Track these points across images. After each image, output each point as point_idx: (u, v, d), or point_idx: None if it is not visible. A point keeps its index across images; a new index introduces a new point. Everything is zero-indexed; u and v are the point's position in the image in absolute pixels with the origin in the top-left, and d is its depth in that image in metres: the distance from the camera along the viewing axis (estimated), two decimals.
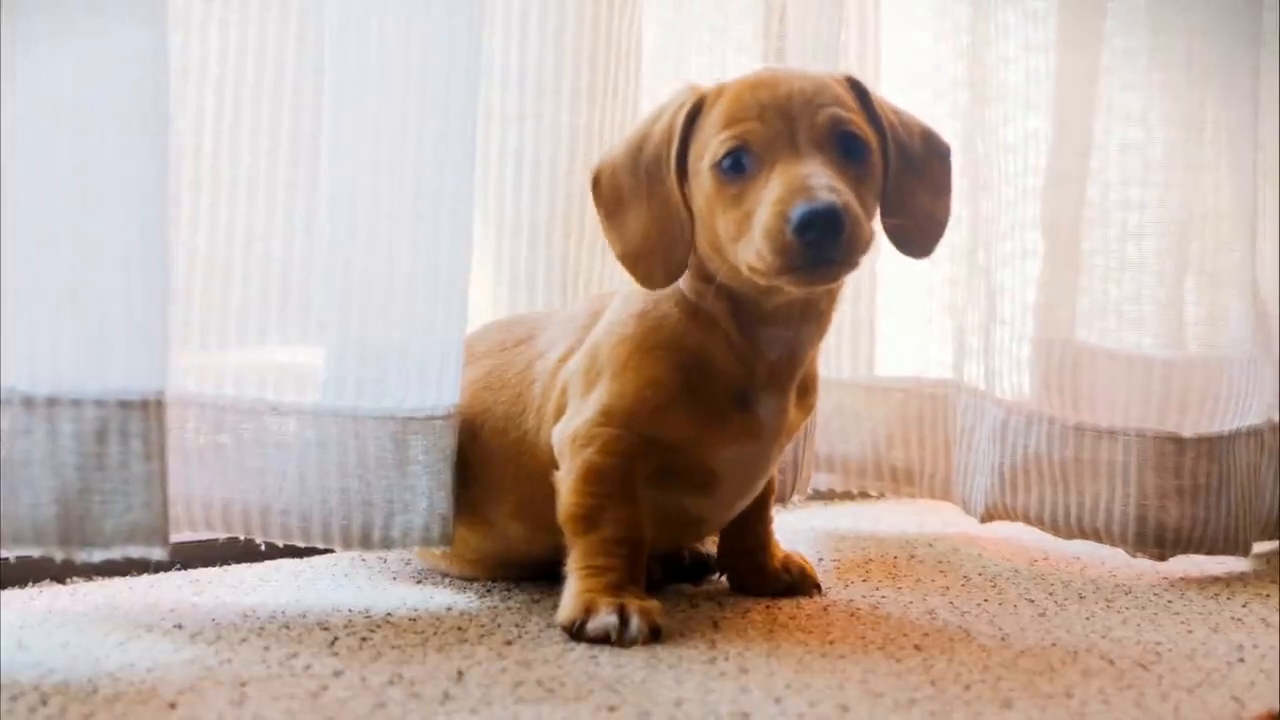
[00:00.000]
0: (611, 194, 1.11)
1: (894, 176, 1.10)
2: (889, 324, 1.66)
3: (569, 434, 1.11)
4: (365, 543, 1.15)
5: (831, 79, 1.09)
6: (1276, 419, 1.48)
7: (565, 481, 1.11)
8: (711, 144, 1.05)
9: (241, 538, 1.16)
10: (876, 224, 1.09)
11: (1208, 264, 1.47)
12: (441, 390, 1.15)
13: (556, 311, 1.29)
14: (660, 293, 1.12)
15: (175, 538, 1.24)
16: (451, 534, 1.16)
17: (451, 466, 1.16)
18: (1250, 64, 1.45)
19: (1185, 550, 1.39)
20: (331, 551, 1.30)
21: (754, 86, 1.06)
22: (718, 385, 1.10)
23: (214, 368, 1.14)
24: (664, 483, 1.12)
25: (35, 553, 0.98)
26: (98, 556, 0.99)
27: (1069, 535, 1.43)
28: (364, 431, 1.14)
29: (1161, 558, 1.40)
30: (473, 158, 1.16)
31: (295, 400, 1.14)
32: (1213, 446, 1.40)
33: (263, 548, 1.21)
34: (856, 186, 1.04)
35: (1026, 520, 1.45)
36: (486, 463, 1.18)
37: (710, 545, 1.30)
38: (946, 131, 1.54)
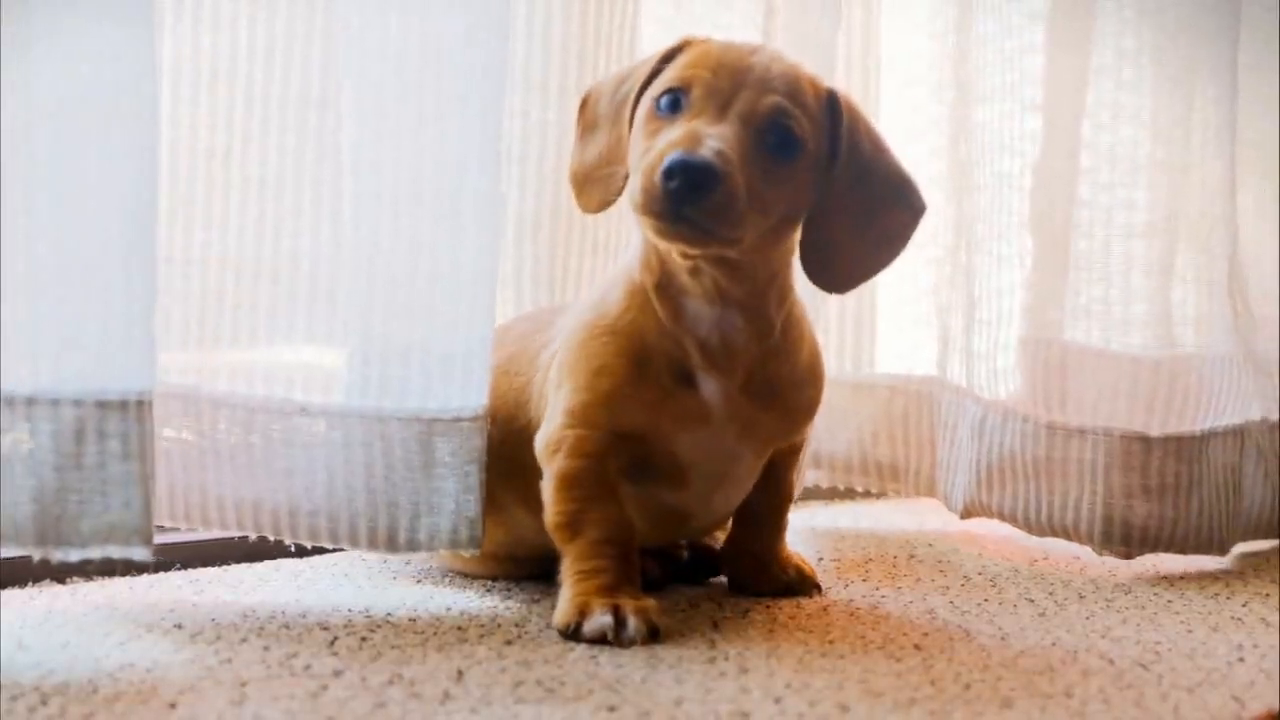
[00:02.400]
0: (591, 116, 1.15)
1: (835, 199, 1.09)
2: (883, 323, 1.65)
3: (544, 441, 1.12)
4: (392, 545, 1.15)
5: (807, 79, 1.09)
6: (1275, 419, 1.48)
7: (546, 490, 1.11)
8: (660, 80, 1.08)
9: (271, 538, 1.16)
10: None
11: (1184, 263, 1.47)
12: (468, 391, 1.15)
13: (573, 304, 1.29)
14: (613, 278, 1.14)
15: (183, 537, 1.26)
16: (480, 537, 1.16)
17: (480, 469, 1.15)
18: (1230, 60, 1.45)
19: (1154, 549, 1.40)
20: (336, 551, 1.30)
21: (726, 47, 1.08)
22: (658, 364, 1.10)
23: (244, 367, 1.15)
24: (639, 477, 1.12)
25: (12, 551, 0.99)
26: (74, 556, 0.98)
27: (1041, 533, 1.43)
28: (389, 433, 1.14)
29: (1128, 556, 1.40)
30: (497, 155, 1.15)
31: (323, 401, 1.14)
32: (1181, 446, 1.40)
33: (292, 548, 1.21)
34: (766, 179, 1.04)
35: (1001, 517, 1.46)
36: (499, 447, 1.18)
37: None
38: (943, 131, 1.56)
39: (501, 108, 1.15)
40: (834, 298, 1.58)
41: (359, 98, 1.13)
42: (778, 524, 1.24)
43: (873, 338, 1.63)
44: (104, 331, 0.99)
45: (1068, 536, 1.42)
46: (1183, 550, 1.40)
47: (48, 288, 0.98)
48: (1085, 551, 1.47)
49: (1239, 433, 1.45)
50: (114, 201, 0.99)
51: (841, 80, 1.53)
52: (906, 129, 1.60)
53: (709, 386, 1.11)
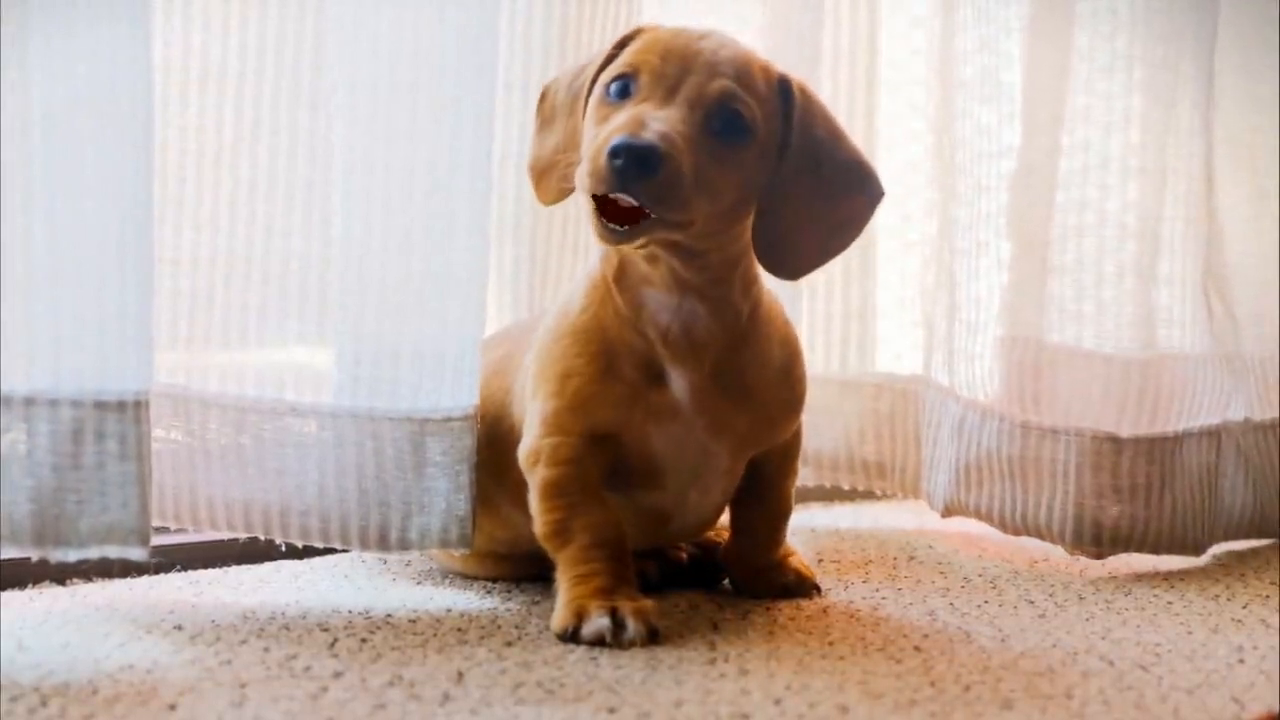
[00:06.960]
0: (548, 109, 1.15)
1: (787, 184, 1.08)
2: (881, 322, 1.65)
3: (525, 452, 1.12)
4: (383, 544, 1.15)
5: (758, 64, 1.09)
6: (1257, 419, 1.49)
7: (532, 501, 1.11)
8: (611, 67, 1.08)
9: (263, 537, 1.16)
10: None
11: (1160, 264, 1.47)
12: (458, 391, 1.15)
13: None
14: (579, 278, 1.14)
15: (183, 539, 1.26)
16: (471, 536, 1.16)
17: (471, 468, 1.15)
18: (1207, 62, 1.45)
19: (1125, 549, 1.40)
20: (334, 552, 1.30)
21: (675, 33, 1.08)
22: (623, 359, 1.10)
23: (235, 367, 1.15)
24: (616, 480, 1.12)
25: (10, 552, 0.99)
26: (72, 556, 0.99)
27: (1015, 532, 1.44)
28: (381, 432, 1.14)
29: (1099, 556, 1.41)
30: (489, 155, 1.16)
31: (314, 401, 1.15)
32: (1153, 446, 1.40)
33: (283, 547, 1.21)
34: (715, 163, 1.03)
35: (979, 516, 1.46)
36: (490, 447, 1.18)
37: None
38: (936, 130, 1.55)
39: (493, 109, 1.16)
40: (823, 296, 1.58)
41: (350, 98, 1.14)
42: (775, 538, 1.24)
43: (864, 337, 1.63)
44: (101, 332, 0.99)
45: (1040, 536, 1.42)
46: (1155, 550, 1.41)
47: (45, 288, 0.98)
48: None
49: (1216, 433, 1.45)
50: (111, 201, 0.99)
51: (834, 77, 1.53)
52: (906, 130, 1.60)
53: (676, 379, 1.10)
